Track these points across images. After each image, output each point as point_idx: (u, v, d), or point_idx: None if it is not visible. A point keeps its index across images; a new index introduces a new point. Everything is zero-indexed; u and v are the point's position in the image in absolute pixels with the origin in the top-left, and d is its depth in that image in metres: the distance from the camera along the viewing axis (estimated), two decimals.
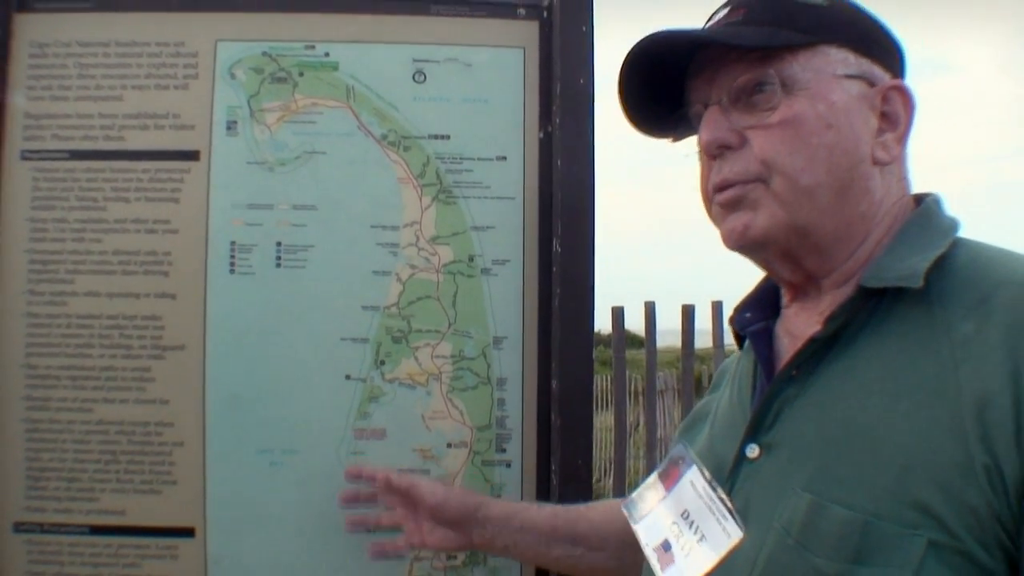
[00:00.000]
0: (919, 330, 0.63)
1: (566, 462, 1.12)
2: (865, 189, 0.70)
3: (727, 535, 0.67)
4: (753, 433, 0.70)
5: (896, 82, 0.72)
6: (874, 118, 0.70)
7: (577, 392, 1.13)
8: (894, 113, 0.71)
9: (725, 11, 0.74)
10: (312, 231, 1.14)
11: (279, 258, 1.14)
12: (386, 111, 1.16)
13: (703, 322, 4.18)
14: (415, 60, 1.17)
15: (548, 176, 1.17)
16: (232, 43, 1.16)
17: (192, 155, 1.14)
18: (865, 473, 0.60)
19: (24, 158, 1.14)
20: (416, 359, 1.14)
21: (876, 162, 0.70)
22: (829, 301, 0.71)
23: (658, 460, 4.18)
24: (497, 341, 1.16)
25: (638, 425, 5.69)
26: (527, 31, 1.19)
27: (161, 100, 1.15)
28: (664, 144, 0.82)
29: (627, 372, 4.53)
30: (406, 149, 1.16)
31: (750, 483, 0.69)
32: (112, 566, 1.09)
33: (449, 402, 1.15)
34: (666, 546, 0.72)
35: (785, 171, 0.68)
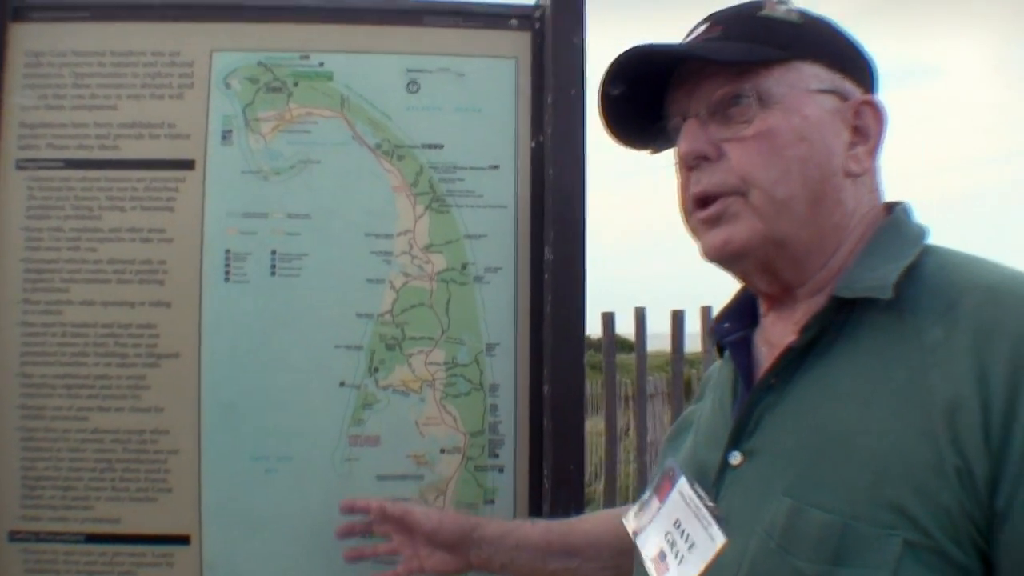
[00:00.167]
0: (890, 337, 0.65)
1: (558, 467, 1.14)
2: (838, 200, 0.72)
3: (712, 541, 0.69)
4: (735, 441, 0.72)
5: (868, 97, 0.74)
6: (846, 131, 0.72)
7: (569, 397, 1.15)
8: (865, 127, 0.73)
9: (704, 27, 0.76)
10: (307, 239, 1.15)
11: (274, 266, 1.15)
12: (380, 120, 1.18)
13: (693, 326, 4.20)
14: (409, 70, 1.19)
15: (540, 185, 1.18)
16: (227, 53, 1.17)
17: (187, 164, 1.15)
18: (842, 477, 0.62)
19: (19, 167, 1.15)
20: (410, 366, 1.15)
21: (848, 174, 0.72)
22: (804, 311, 0.73)
23: (648, 463, 4.19)
24: (490, 348, 1.17)
25: (628, 429, 5.70)
26: (520, 42, 1.21)
27: (156, 109, 1.15)
28: (644, 154, 0.84)
29: (617, 377, 4.54)
30: (400, 158, 1.17)
31: (734, 489, 0.71)
32: (108, 574, 1.10)
33: (442, 408, 1.16)
34: (662, 556, 0.74)
35: (762, 184, 0.70)
